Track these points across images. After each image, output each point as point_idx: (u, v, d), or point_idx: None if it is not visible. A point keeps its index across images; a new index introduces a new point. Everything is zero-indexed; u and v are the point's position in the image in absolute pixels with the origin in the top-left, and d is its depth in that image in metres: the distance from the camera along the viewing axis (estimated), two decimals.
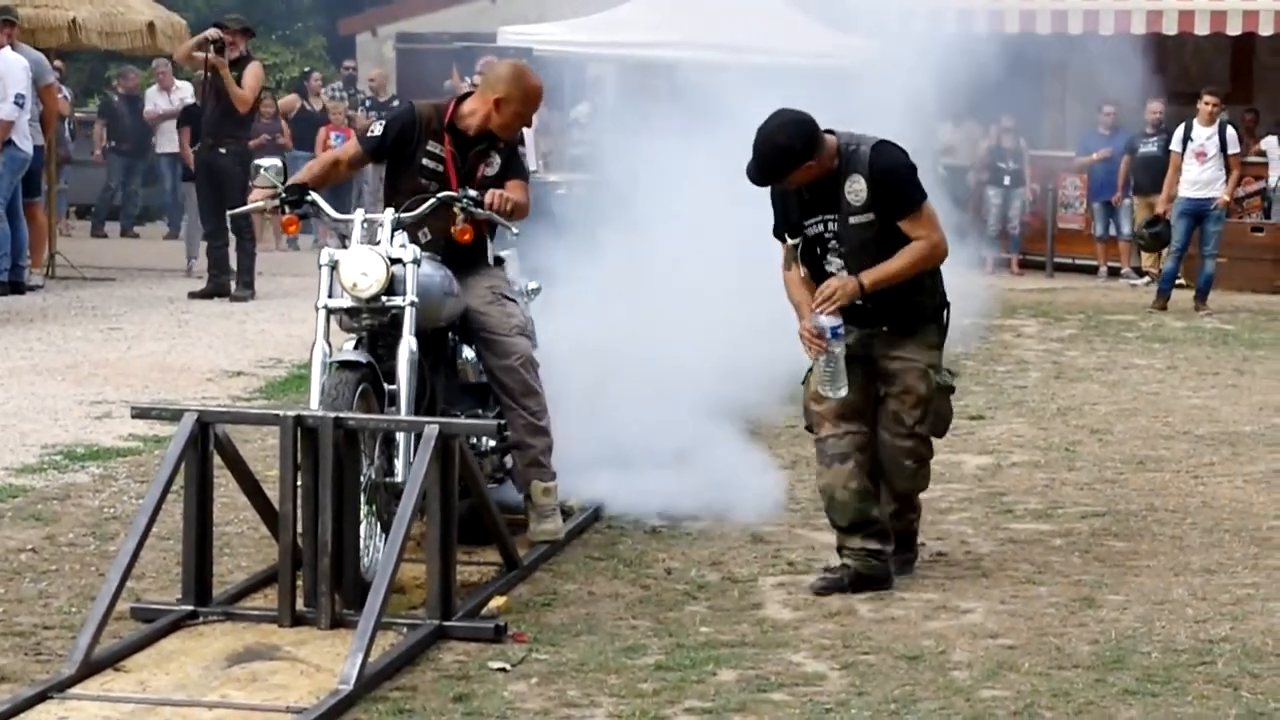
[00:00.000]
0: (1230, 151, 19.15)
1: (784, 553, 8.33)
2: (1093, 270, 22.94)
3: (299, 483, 6.92)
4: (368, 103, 24.93)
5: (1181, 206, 19.15)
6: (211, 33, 17.79)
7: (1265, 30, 22.57)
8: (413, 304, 7.50)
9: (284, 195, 7.93)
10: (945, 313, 7.82)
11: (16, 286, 17.47)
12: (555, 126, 22.80)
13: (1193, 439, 11.44)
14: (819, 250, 7.64)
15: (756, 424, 10.67)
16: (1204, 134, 19.17)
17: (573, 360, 9.05)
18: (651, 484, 8.98)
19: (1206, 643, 6.98)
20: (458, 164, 8.10)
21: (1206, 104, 19.27)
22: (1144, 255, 22.12)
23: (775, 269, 7.86)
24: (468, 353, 8.24)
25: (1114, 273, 22.91)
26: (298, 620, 6.90)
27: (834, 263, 7.61)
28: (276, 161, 8.05)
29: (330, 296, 7.56)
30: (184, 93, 24.59)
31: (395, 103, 24.02)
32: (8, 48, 17.13)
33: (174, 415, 7.16)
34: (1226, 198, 19.28)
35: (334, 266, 7.55)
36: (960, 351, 15.03)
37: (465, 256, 8.11)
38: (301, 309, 16.13)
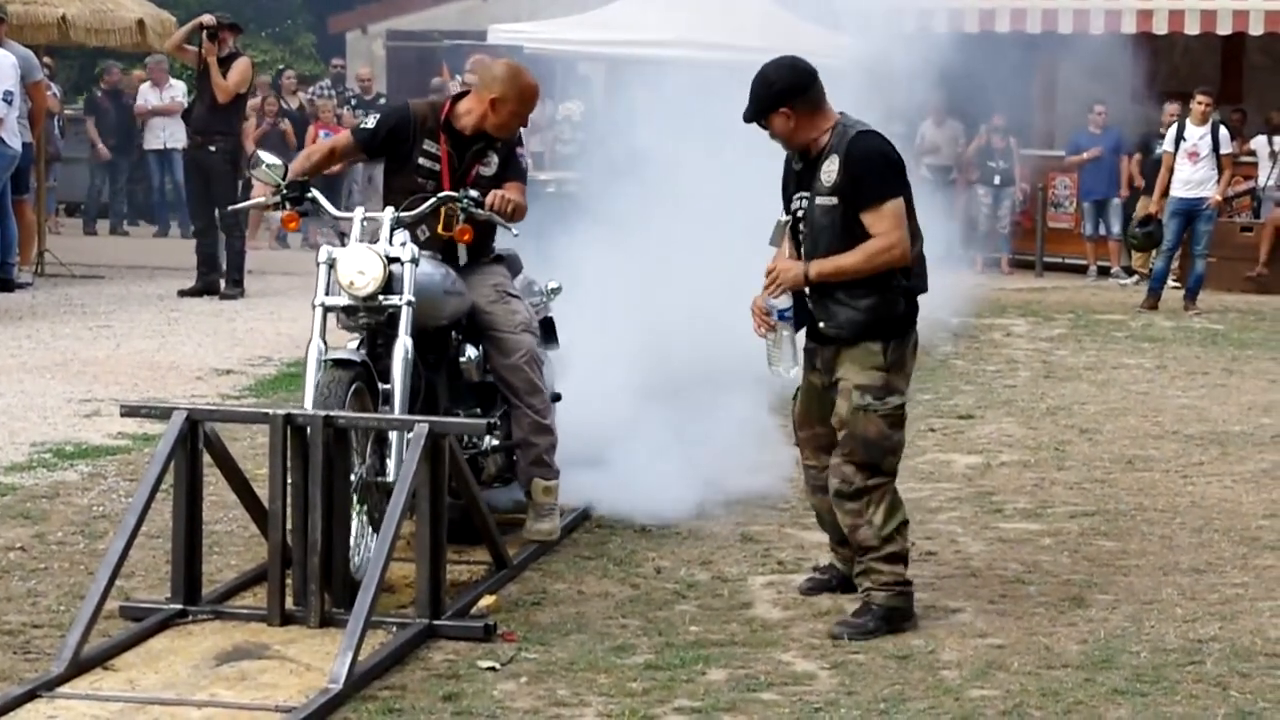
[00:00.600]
0: (1223, 151, 19.18)
1: (774, 552, 8.34)
2: (1082, 270, 22.97)
3: (289, 481, 6.92)
4: (354, 100, 24.92)
5: (1174, 206, 19.17)
6: (206, 19, 17.73)
7: (1255, 30, 22.60)
8: (409, 303, 7.49)
9: (285, 192, 7.94)
10: (904, 334, 7.26)
11: (5, 284, 17.44)
12: (543, 124, 22.79)
13: (1182, 439, 11.45)
14: (798, 230, 7.38)
15: (749, 421, 10.65)
16: (1197, 134, 19.19)
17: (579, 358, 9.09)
18: (643, 484, 8.98)
19: (1195, 642, 6.98)
20: (453, 163, 8.10)
21: (1199, 104, 19.29)
22: (1134, 255, 22.14)
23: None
24: (471, 351, 8.23)
25: (1104, 272, 22.93)
26: (287, 619, 6.89)
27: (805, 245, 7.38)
28: (277, 159, 8.05)
29: (328, 294, 7.56)
30: (176, 90, 24.59)
31: (382, 101, 24.04)
32: None
33: (163, 413, 7.15)
34: (1218, 197, 19.30)
35: (332, 264, 7.54)
36: (950, 351, 15.07)
37: (469, 255, 8.11)
38: (291, 307, 16.14)
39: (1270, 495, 9.75)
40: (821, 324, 7.26)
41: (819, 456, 7.44)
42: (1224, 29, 22.69)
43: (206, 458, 7.12)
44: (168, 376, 12.91)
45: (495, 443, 8.23)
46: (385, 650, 6.52)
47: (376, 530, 7.14)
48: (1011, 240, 23.42)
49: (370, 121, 8.25)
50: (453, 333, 8.11)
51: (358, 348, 7.54)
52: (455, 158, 8.10)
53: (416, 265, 7.57)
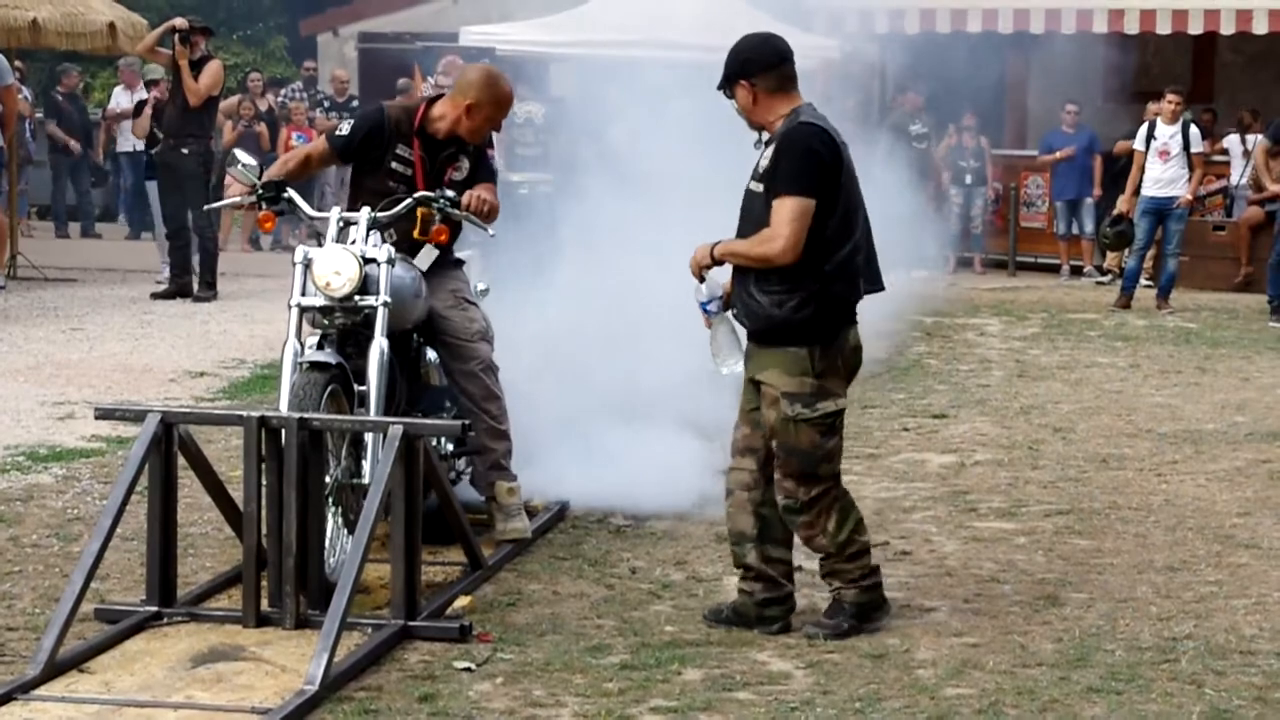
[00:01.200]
0: (1193, 150, 19.23)
1: None
2: (1055, 269, 23.00)
3: (263, 483, 6.91)
4: (327, 103, 24.88)
5: (1145, 205, 19.21)
6: (179, 21, 17.71)
7: (1226, 29, 22.66)
8: (385, 304, 7.50)
9: (261, 192, 7.94)
10: (830, 339, 6.97)
11: None
12: (506, 125, 22.74)
13: (1155, 437, 11.48)
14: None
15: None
16: (1167, 133, 19.23)
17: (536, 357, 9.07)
18: (613, 482, 8.98)
19: (1170, 640, 7.01)
20: (426, 167, 8.11)
21: (1170, 103, 19.34)
22: (1107, 254, 22.20)
23: None
24: (431, 355, 8.25)
25: (1076, 271, 22.96)
26: (262, 621, 6.88)
27: None
28: (253, 160, 8.05)
29: (304, 294, 7.55)
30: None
31: (355, 103, 24.01)
32: None
33: (137, 416, 7.14)
34: (1189, 196, 19.35)
35: (308, 265, 7.54)
36: (923, 350, 15.08)
37: (436, 258, 8.12)
38: (265, 309, 16.12)
39: (1243, 493, 9.78)
40: (731, 312, 7.17)
41: (735, 456, 7.26)
42: (1195, 28, 22.75)
43: (181, 460, 7.11)
44: (141, 379, 12.89)
45: (450, 447, 8.26)
46: (361, 651, 6.52)
47: (351, 532, 7.14)
48: (984, 240, 23.44)
49: (345, 128, 8.26)
50: (414, 336, 8.12)
51: (318, 346, 7.51)
52: (428, 162, 8.11)
53: (393, 266, 7.58)
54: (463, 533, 7.65)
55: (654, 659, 6.66)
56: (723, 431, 7.78)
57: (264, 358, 13.62)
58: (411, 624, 6.83)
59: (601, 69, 18.51)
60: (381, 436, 7.08)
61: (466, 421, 7.85)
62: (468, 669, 6.49)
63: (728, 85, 7.10)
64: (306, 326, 7.62)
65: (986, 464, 10.59)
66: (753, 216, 7.00)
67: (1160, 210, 19.18)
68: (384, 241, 7.73)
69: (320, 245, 7.69)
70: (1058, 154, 22.83)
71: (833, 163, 6.92)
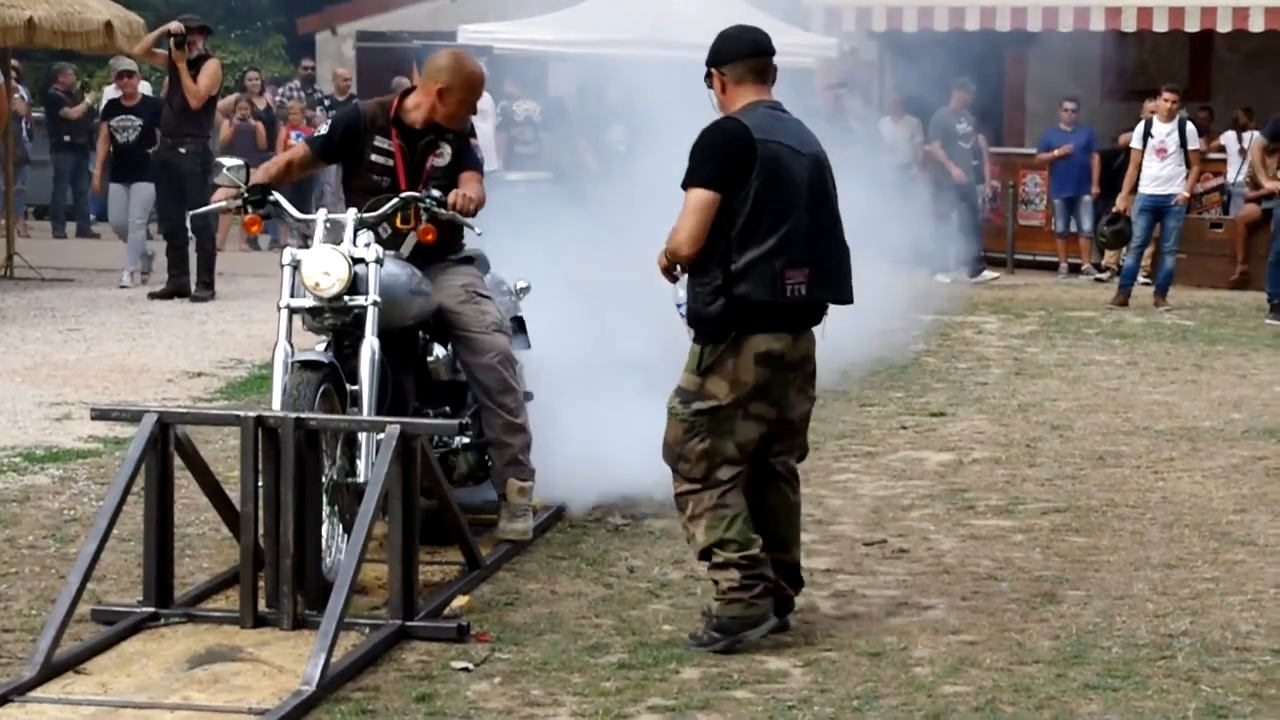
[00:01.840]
0: (1190, 147, 19.23)
1: None
2: (1053, 267, 22.99)
3: (260, 483, 6.91)
4: (327, 101, 24.86)
5: (1142, 203, 19.21)
6: (174, 26, 17.72)
7: (1223, 27, 22.66)
8: (375, 304, 7.50)
9: (246, 195, 7.95)
10: (719, 338, 6.80)
11: None
12: (505, 124, 22.76)
13: (1152, 434, 11.49)
14: None
15: None
16: (1164, 130, 19.23)
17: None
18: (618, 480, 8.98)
19: (1166, 637, 7.01)
20: (406, 157, 8.12)
21: (1166, 100, 19.34)
22: (1105, 252, 22.19)
23: None
24: (439, 351, 8.25)
25: (1074, 269, 22.95)
26: (260, 621, 6.88)
27: None
28: (239, 161, 8.06)
29: (293, 296, 7.55)
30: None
31: (355, 101, 24.02)
32: None
33: (134, 416, 7.14)
34: (1186, 194, 19.35)
35: (296, 266, 7.54)
36: (921, 348, 15.08)
37: (435, 255, 8.12)
38: (262, 309, 16.11)
39: (1240, 490, 9.78)
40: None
41: None
42: (1192, 26, 22.74)
43: (178, 460, 7.11)
44: (138, 379, 12.89)
45: (466, 441, 8.25)
46: (358, 652, 6.52)
47: (348, 532, 7.14)
48: (982, 238, 23.42)
49: (323, 129, 8.30)
50: (420, 332, 8.13)
51: (325, 349, 7.54)
52: (408, 151, 8.12)
53: (381, 266, 7.58)
54: (460, 532, 7.65)
55: (652, 658, 6.66)
56: None
57: (261, 358, 13.62)
58: (409, 624, 6.83)
59: (599, 68, 18.51)
60: (378, 436, 7.09)
61: (464, 420, 7.87)
62: (465, 669, 6.49)
63: (707, 74, 7.07)
64: (302, 330, 7.63)
65: (984, 462, 10.59)
66: None
67: (1158, 208, 19.18)
68: (374, 241, 7.73)
69: (308, 247, 7.69)
70: (1056, 152, 22.80)
71: (741, 160, 6.74)
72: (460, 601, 7.31)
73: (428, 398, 8.20)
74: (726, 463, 6.85)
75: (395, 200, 7.93)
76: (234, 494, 7.23)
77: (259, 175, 8.17)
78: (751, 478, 6.98)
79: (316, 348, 7.58)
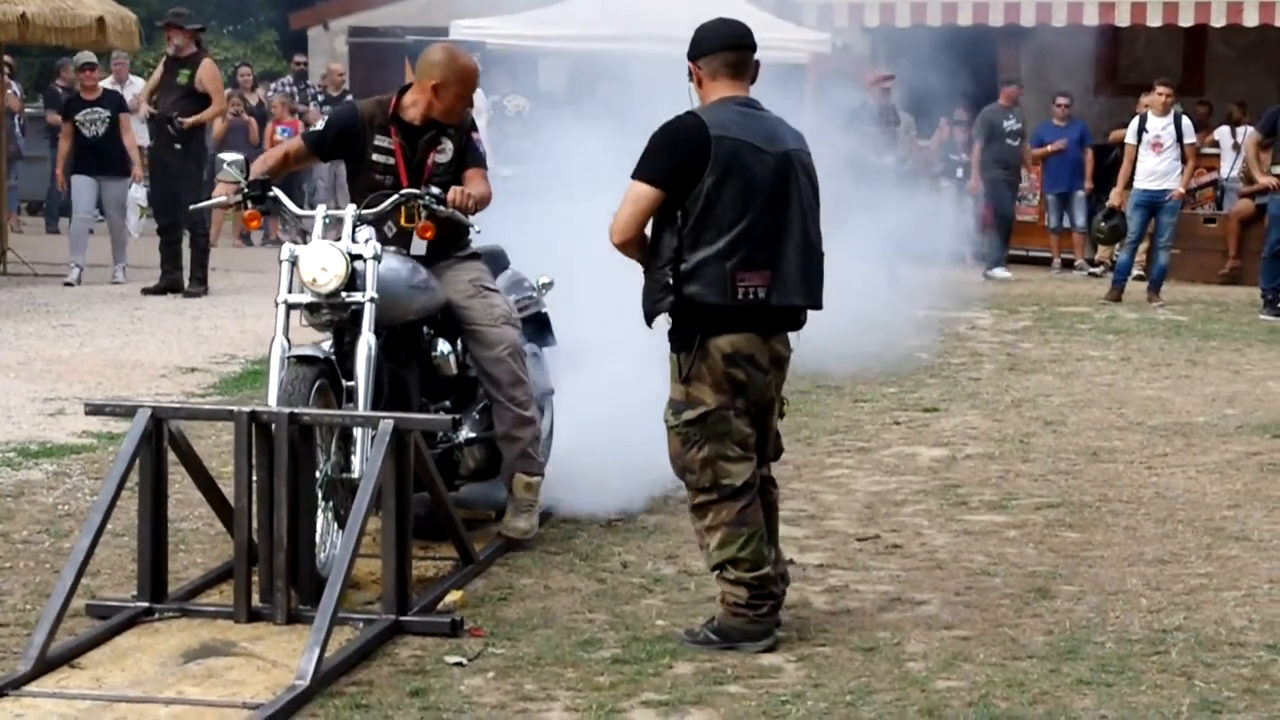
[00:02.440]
0: (1186, 141, 19.24)
1: None
2: (1047, 262, 23.01)
3: (254, 479, 6.91)
4: (320, 97, 24.86)
5: (1137, 198, 19.22)
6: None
7: (1217, 21, 22.70)
8: (372, 300, 7.49)
9: (246, 191, 7.94)
10: (688, 344, 6.71)
11: None
12: (496, 119, 22.76)
13: (1146, 430, 11.50)
14: None
15: None
16: (1159, 125, 19.25)
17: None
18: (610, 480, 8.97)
19: (1160, 632, 7.01)
20: (407, 155, 8.12)
21: (1160, 95, 19.35)
22: (1099, 247, 22.20)
23: None
24: (443, 346, 8.23)
25: (1068, 264, 22.97)
26: (254, 616, 6.88)
27: None
28: (239, 156, 8.05)
29: (291, 292, 7.55)
30: (136, 87, 24.49)
31: (349, 98, 24.03)
32: None
33: (128, 411, 7.13)
34: (1181, 189, 19.36)
35: (294, 262, 7.54)
36: (915, 344, 15.09)
37: (440, 252, 8.12)
38: (255, 305, 16.12)
39: (1234, 486, 9.79)
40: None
41: None
42: (1186, 21, 22.78)
43: (171, 455, 7.11)
44: (132, 375, 12.88)
45: (473, 435, 8.25)
46: (352, 647, 6.52)
47: (342, 527, 7.13)
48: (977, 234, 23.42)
49: (320, 124, 8.30)
50: (424, 328, 8.12)
51: (329, 346, 7.55)
52: (408, 149, 8.12)
53: (379, 262, 7.58)
54: (454, 527, 7.65)
55: (645, 653, 6.66)
56: None
57: (255, 353, 13.63)
58: (403, 619, 6.83)
59: (591, 62, 18.49)
60: (372, 431, 7.09)
61: (457, 416, 7.86)
62: (459, 664, 6.49)
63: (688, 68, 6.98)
64: (300, 325, 7.62)
65: (977, 457, 10.60)
66: None
67: (1153, 203, 19.19)
68: (377, 236, 7.73)
69: (306, 243, 7.69)
70: (1049, 147, 22.79)
71: (693, 157, 6.61)
72: (454, 597, 7.31)
73: (434, 394, 8.20)
74: (733, 461, 6.78)
75: (394, 197, 7.93)
76: (228, 489, 7.23)
77: (256, 167, 8.16)
78: None
79: (324, 345, 7.57)
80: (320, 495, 7.21)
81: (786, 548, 7.96)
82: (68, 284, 18.43)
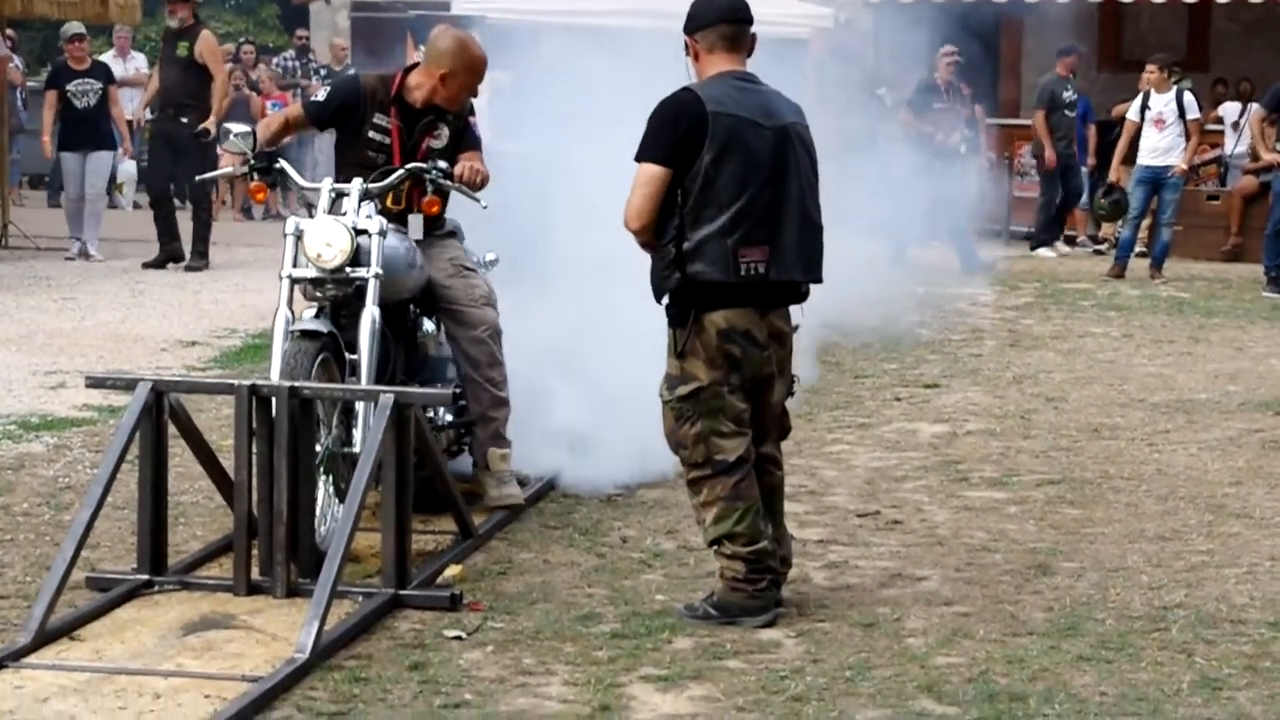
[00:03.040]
0: (1189, 117, 19.20)
1: None
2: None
3: (254, 452, 6.90)
4: (323, 71, 24.85)
5: (1140, 174, 19.21)
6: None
7: None
8: (377, 276, 7.49)
9: (254, 162, 7.92)
10: (684, 320, 6.71)
11: None
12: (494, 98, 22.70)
13: (1148, 407, 11.49)
14: None
15: None
16: (1161, 101, 19.22)
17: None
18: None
19: (1161, 609, 7.01)
20: (404, 136, 8.10)
21: (1151, 72, 19.31)
22: (1102, 224, 22.16)
23: None
24: (428, 325, 8.24)
25: (1070, 241, 22.94)
26: (253, 589, 6.88)
27: None
28: (246, 128, 8.02)
29: (295, 266, 7.53)
30: (139, 61, 24.50)
31: (351, 72, 24.02)
32: None
33: (128, 385, 7.12)
34: (1184, 165, 19.33)
35: (299, 236, 7.52)
36: (915, 320, 15.08)
37: (426, 231, 8.11)
38: (256, 279, 16.11)
39: (1235, 463, 9.78)
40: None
41: None
42: None
43: (172, 429, 7.10)
44: (133, 348, 12.88)
45: (450, 418, 8.25)
46: (351, 620, 6.52)
47: (342, 501, 7.13)
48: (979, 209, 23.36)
49: (321, 94, 8.28)
50: (411, 306, 8.11)
51: (315, 316, 7.51)
52: (405, 131, 8.10)
53: (384, 238, 7.57)
54: (453, 501, 7.65)
55: (644, 627, 6.66)
56: None
57: (255, 327, 13.63)
58: (402, 593, 6.83)
59: (592, 37, 18.45)
60: (373, 405, 7.08)
61: (457, 389, 7.86)
62: (458, 638, 6.49)
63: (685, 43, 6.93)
64: (301, 298, 7.61)
65: (978, 433, 10.59)
66: None
67: (1155, 179, 19.18)
68: (376, 213, 7.71)
69: (311, 216, 7.67)
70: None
71: (693, 134, 6.59)
72: (453, 570, 7.31)
73: (415, 372, 8.19)
74: (727, 437, 6.75)
75: (401, 171, 7.91)
76: (228, 462, 7.22)
77: (259, 136, 8.14)
78: None
79: (305, 314, 7.54)
80: (320, 469, 7.21)
81: (787, 523, 7.96)
82: (69, 259, 18.40)
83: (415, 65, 8.31)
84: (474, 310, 8.12)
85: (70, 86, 18.91)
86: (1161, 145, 19.13)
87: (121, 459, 6.84)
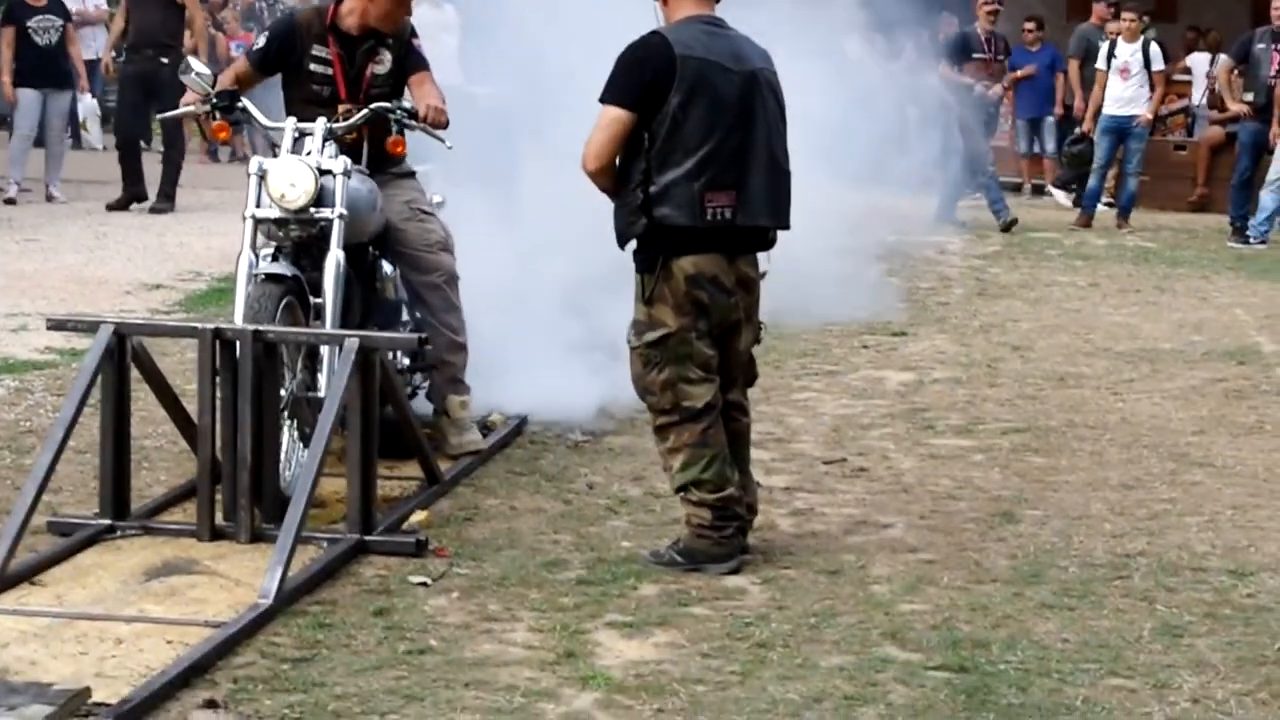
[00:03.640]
0: (1154, 68, 19.19)
1: None
2: (1017, 188, 22.96)
3: (218, 396, 6.86)
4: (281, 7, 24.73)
5: (1105, 124, 19.21)
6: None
7: None
8: (341, 216, 7.44)
9: (215, 101, 7.85)
10: (651, 265, 6.67)
11: None
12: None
13: (1113, 356, 11.51)
14: None
15: None
16: (1127, 51, 19.20)
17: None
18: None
19: (1123, 557, 7.03)
20: (345, 65, 8.02)
21: (1129, 20, 19.29)
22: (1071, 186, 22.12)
23: None
24: (387, 268, 8.19)
25: (1038, 190, 22.95)
26: (217, 534, 6.86)
27: None
28: (206, 70, 7.94)
29: (258, 206, 7.47)
30: None
31: (290, 9, 23.89)
32: None
33: (90, 327, 7.08)
34: (1149, 115, 19.33)
35: (263, 176, 7.46)
36: (884, 268, 15.07)
37: (376, 167, 8.04)
38: (222, 222, 16.03)
39: (1199, 412, 9.81)
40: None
41: None
42: None
43: (135, 372, 7.06)
44: (97, 291, 12.81)
45: (406, 361, 8.22)
46: (316, 565, 6.50)
47: (307, 446, 7.11)
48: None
49: (260, 40, 8.20)
50: (369, 248, 8.06)
51: (273, 258, 7.46)
52: (346, 59, 8.02)
53: (349, 178, 7.52)
54: (419, 447, 7.63)
55: (610, 574, 6.66)
56: None
57: (220, 270, 13.56)
58: (367, 538, 6.81)
59: None
60: (337, 349, 7.05)
61: (424, 334, 7.82)
62: (423, 584, 6.48)
63: None
64: (261, 239, 7.55)
65: (945, 381, 10.60)
66: None
67: (1120, 129, 19.17)
68: (339, 153, 7.66)
69: (275, 156, 7.61)
70: (1019, 73, 22.67)
71: (660, 78, 6.54)
72: (419, 516, 7.29)
73: (372, 314, 8.14)
74: (695, 384, 6.74)
75: (364, 111, 7.85)
76: (191, 406, 7.19)
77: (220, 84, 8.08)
78: None
79: (263, 252, 7.47)
80: (285, 413, 7.18)
81: (753, 470, 7.96)
82: (8, 201, 18.13)
83: None
84: (428, 255, 8.07)
85: (31, 23, 18.62)
86: (1126, 95, 19.12)
87: (83, 402, 6.80)
